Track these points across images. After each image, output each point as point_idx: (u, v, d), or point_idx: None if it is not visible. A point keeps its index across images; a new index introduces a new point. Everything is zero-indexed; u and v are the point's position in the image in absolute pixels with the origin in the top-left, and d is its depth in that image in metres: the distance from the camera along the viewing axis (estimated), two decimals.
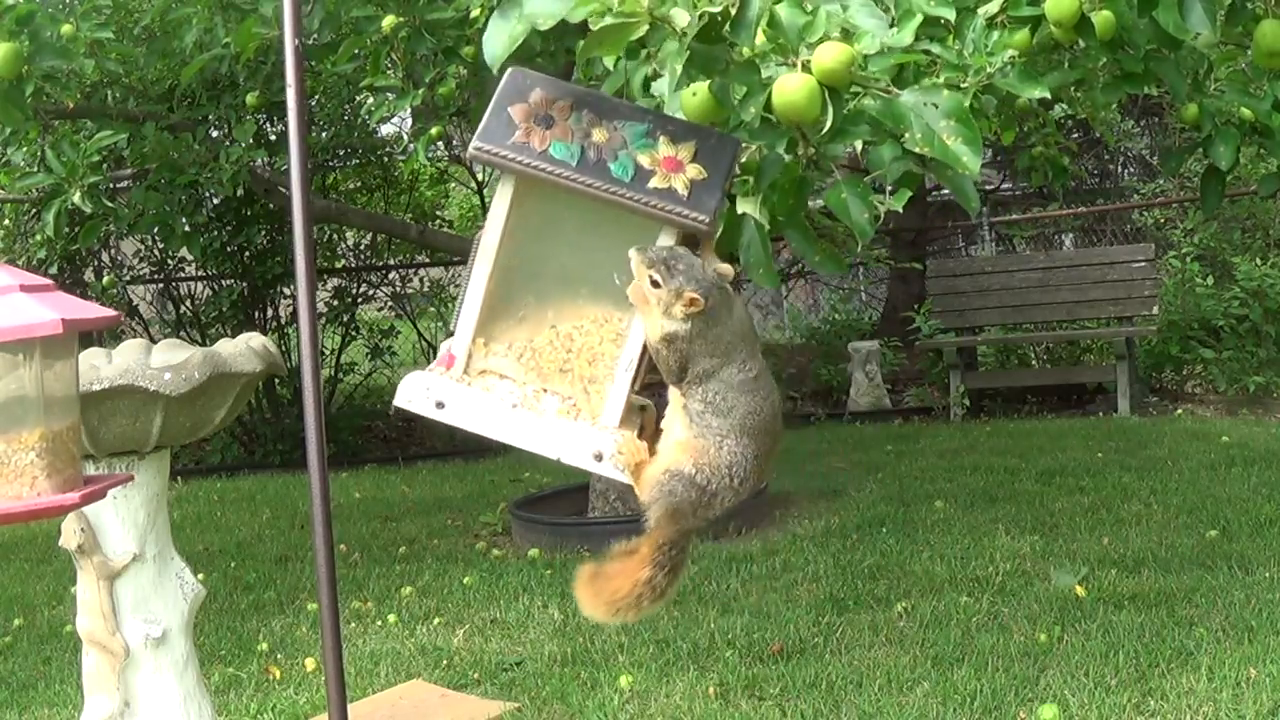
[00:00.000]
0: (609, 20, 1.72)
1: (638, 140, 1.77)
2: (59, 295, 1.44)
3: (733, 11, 1.73)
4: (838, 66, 1.79)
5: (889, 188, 2.03)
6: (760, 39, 1.81)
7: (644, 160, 1.75)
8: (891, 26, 1.90)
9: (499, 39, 1.74)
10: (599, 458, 1.78)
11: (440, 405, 1.78)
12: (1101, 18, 2.32)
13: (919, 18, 1.93)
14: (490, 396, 1.79)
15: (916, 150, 1.89)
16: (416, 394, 1.79)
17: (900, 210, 2.01)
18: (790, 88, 1.80)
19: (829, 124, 1.82)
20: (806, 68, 1.81)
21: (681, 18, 1.71)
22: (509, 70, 1.80)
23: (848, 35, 1.83)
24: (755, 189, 1.97)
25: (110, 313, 1.50)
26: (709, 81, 1.88)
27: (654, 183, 1.74)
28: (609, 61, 2.17)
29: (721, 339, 1.74)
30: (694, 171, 1.76)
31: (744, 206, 2.02)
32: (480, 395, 1.79)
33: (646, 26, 1.73)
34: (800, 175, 2.02)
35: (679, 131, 1.79)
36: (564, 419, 1.79)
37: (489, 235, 1.78)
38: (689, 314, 1.71)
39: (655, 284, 1.71)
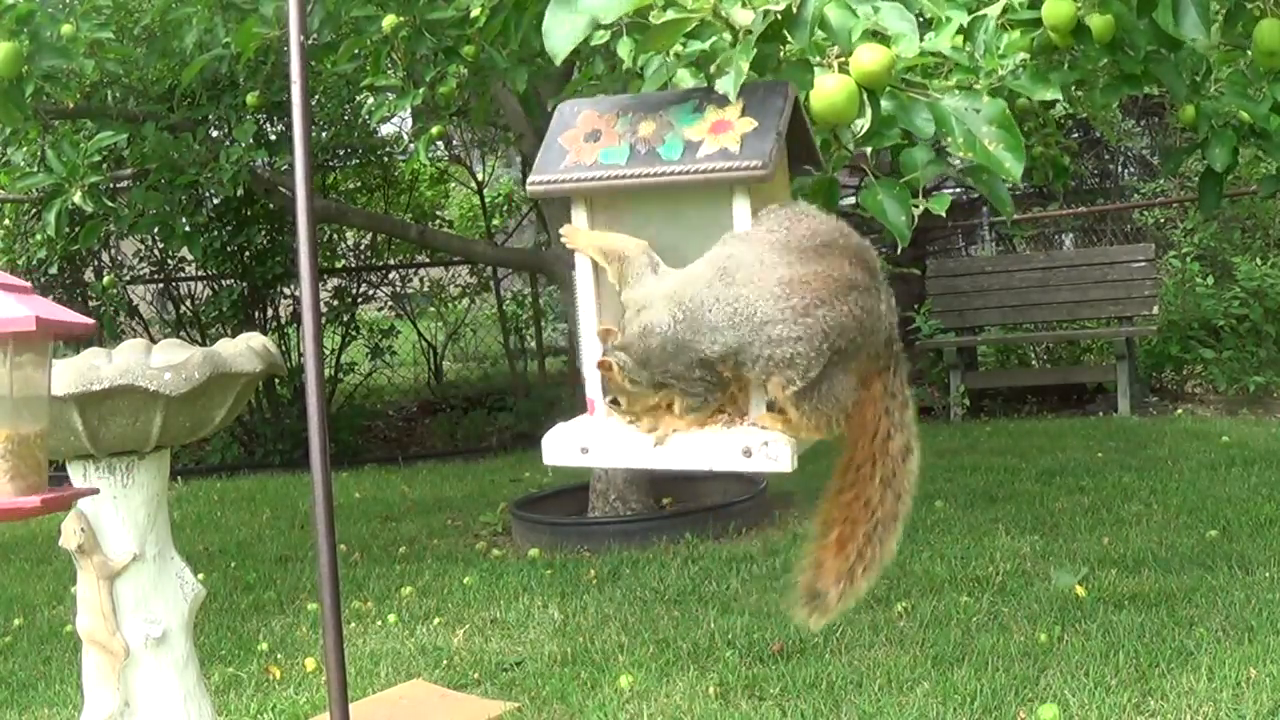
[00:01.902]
0: (670, 15, 1.71)
1: (685, 118, 1.74)
2: (35, 298, 1.43)
3: (794, 10, 1.73)
4: (878, 69, 1.80)
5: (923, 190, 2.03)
6: None
7: (692, 134, 1.72)
8: (927, 31, 1.91)
9: (563, 32, 1.71)
10: (748, 453, 1.72)
11: (585, 451, 1.76)
12: (1098, 22, 2.33)
13: (955, 23, 1.94)
14: (629, 428, 1.76)
15: (958, 154, 1.89)
16: (564, 448, 1.76)
17: (944, 214, 2.01)
18: (829, 89, 1.80)
19: (867, 126, 1.83)
20: (844, 69, 1.81)
21: (744, 16, 1.71)
22: (558, 106, 1.79)
23: (879, 37, 1.83)
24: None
25: (87, 320, 1.49)
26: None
27: (704, 150, 1.70)
28: (622, 52, 2.17)
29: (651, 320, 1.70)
30: (744, 125, 1.71)
31: None
32: (619, 429, 1.76)
33: (698, 22, 1.72)
34: (831, 177, 2.02)
35: (726, 97, 1.75)
36: (707, 430, 1.75)
37: (581, 269, 1.76)
38: (619, 343, 1.69)
39: (635, 381, 1.69)
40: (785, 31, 1.76)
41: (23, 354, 1.41)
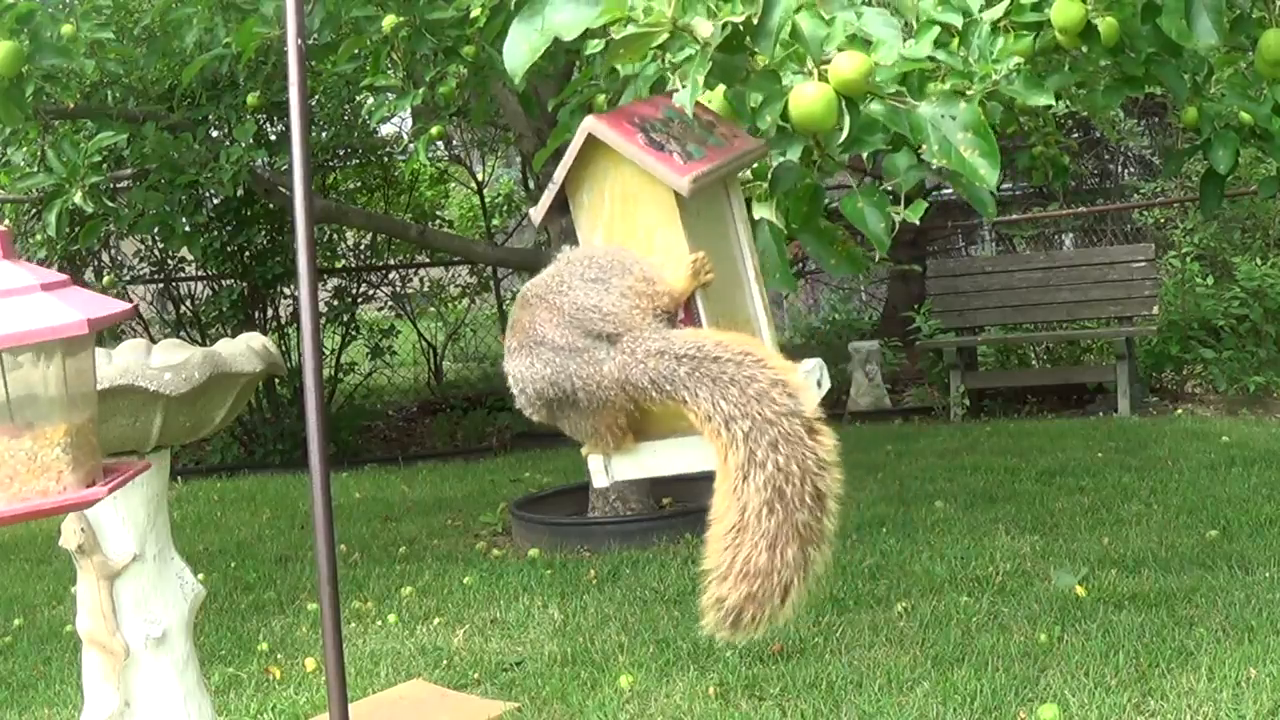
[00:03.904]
0: (632, 29, 1.71)
1: None
2: (76, 291, 1.46)
3: (755, 21, 1.73)
4: (856, 77, 1.79)
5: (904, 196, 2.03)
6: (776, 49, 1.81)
7: None
8: (908, 38, 1.90)
9: (520, 50, 1.72)
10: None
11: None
12: (1106, 25, 2.32)
13: (935, 29, 1.93)
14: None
15: (934, 161, 1.89)
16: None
17: (918, 222, 2.01)
18: (808, 97, 1.80)
19: (846, 133, 1.82)
20: (823, 77, 1.80)
21: (704, 28, 1.70)
22: None
23: (860, 42, 1.82)
24: (770, 196, 1.97)
25: (125, 305, 1.53)
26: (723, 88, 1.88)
27: None
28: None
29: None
30: None
31: (760, 211, 2.02)
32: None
33: (667, 34, 1.72)
34: (815, 183, 2.02)
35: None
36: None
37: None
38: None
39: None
40: (749, 42, 1.75)
41: (73, 352, 1.45)
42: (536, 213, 1.76)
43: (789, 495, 1.66)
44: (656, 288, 1.71)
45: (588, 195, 1.75)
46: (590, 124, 1.71)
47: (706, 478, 1.80)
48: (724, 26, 1.70)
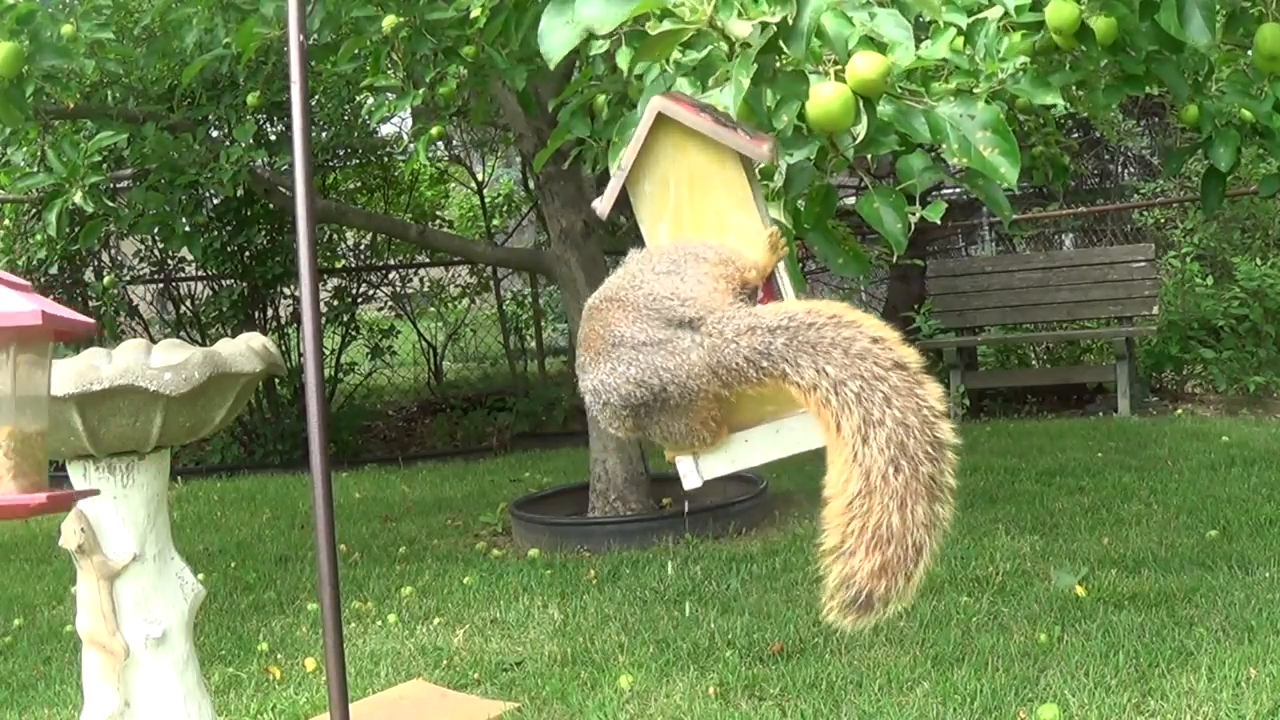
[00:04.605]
0: (666, 26, 1.69)
1: None
2: (36, 296, 1.43)
3: (790, 21, 1.71)
4: (875, 77, 1.78)
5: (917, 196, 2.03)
6: None
7: None
8: (924, 39, 1.90)
9: (558, 38, 1.70)
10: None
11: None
12: (1102, 24, 2.33)
13: (952, 31, 1.92)
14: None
15: (953, 161, 1.88)
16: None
17: (939, 222, 2.01)
18: (825, 97, 1.79)
19: (864, 134, 1.81)
20: (839, 77, 1.80)
21: (740, 28, 1.69)
22: None
23: (875, 44, 1.82)
24: (782, 197, 1.97)
25: (88, 320, 1.48)
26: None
27: None
28: (622, 63, 2.17)
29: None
30: None
31: (770, 212, 2.02)
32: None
33: (694, 32, 1.71)
34: (828, 185, 2.02)
35: None
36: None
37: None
38: None
39: None
40: (780, 42, 1.74)
41: (26, 352, 1.40)
42: (603, 204, 1.71)
43: (911, 449, 1.63)
44: (737, 264, 1.65)
45: (650, 184, 1.70)
46: (659, 103, 1.65)
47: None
48: (763, 27, 1.69)
